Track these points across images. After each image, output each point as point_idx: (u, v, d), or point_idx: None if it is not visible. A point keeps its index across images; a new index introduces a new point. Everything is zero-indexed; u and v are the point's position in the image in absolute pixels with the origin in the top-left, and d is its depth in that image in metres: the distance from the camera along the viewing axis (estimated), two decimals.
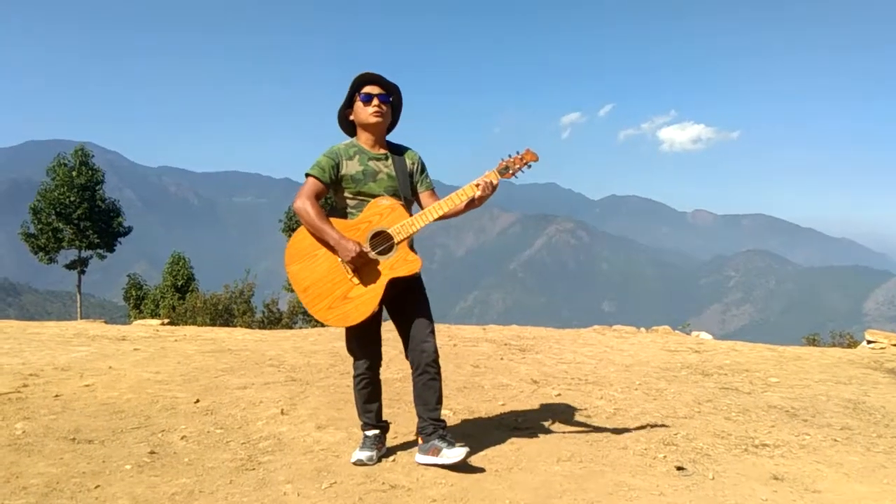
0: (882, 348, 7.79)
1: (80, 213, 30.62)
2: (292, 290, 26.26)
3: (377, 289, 3.11)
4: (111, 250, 32.90)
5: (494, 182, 3.20)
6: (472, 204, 3.22)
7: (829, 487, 3.19)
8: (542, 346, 7.03)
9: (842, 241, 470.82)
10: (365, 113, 3.22)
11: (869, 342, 8.21)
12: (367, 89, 3.23)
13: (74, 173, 30.87)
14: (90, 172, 31.52)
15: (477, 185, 3.17)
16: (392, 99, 3.31)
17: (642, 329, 9.18)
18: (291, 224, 28.16)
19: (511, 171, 3.23)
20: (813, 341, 14.90)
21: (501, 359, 6.20)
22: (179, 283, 28.63)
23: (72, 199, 30.44)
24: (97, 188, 31.87)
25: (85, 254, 32.21)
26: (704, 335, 9.14)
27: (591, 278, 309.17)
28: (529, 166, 3.26)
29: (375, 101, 3.21)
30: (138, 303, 30.05)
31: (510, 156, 3.25)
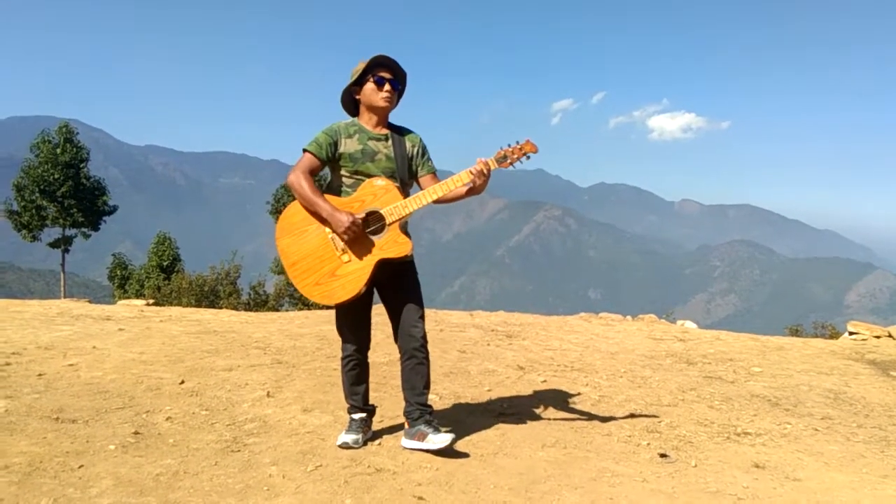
0: (864, 340, 7.88)
1: (65, 190, 30.30)
2: (279, 273, 26.19)
3: (365, 268, 3.10)
4: (96, 229, 32.61)
5: (485, 171, 3.15)
6: (473, 190, 3.20)
7: (809, 476, 3.24)
8: (528, 332, 7.05)
9: (826, 233, 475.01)
10: (376, 96, 3.22)
11: (851, 333, 8.29)
12: (382, 73, 3.22)
13: (59, 150, 30.49)
14: (75, 150, 31.15)
15: (471, 172, 3.15)
16: (400, 87, 3.32)
17: (628, 317, 9.23)
18: (279, 206, 28.01)
19: (509, 161, 3.20)
20: (796, 332, 15.05)
21: (488, 345, 6.22)
22: (165, 264, 28.44)
23: (56, 176, 30.10)
24: (82, 166, 31.52)
25: (69, 232, 31.94)
26: (689, 324, 9.21)
27: (578, 266, 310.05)
28: (528, 157, 3.24)
29: (388, 87, 3.22)
30: (123, 282, 29.84)
31: (510, 145, 3.22)
